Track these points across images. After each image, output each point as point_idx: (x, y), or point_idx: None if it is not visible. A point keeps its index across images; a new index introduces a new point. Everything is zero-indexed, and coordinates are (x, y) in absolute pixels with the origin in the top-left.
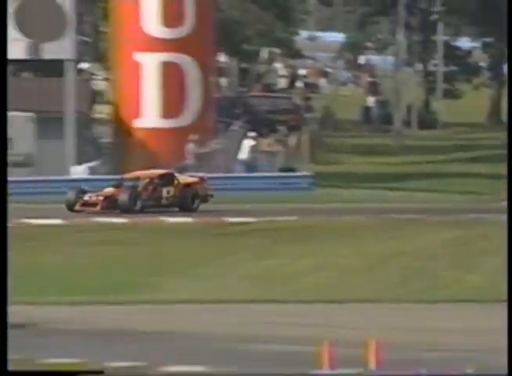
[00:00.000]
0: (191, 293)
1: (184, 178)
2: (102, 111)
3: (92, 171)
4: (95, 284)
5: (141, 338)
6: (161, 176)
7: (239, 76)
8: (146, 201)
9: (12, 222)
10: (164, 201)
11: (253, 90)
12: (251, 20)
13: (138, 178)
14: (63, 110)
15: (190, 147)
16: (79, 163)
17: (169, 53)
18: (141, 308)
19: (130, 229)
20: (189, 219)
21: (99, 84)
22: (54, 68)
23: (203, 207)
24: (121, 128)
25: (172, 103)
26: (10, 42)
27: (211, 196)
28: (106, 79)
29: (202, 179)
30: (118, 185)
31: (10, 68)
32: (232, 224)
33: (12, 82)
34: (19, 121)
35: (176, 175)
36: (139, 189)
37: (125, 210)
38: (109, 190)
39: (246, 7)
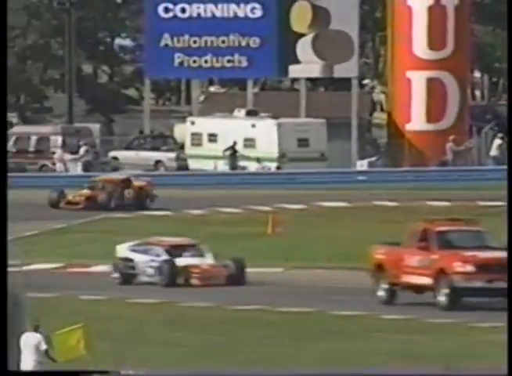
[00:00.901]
0: None
1: (137, 182)
2: (379, 117)
3: (371, 165)
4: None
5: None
6: (122, 180)
7: (489, 88)
8: (116, 201)
9: (309, 205)
10: (125, 201)
11: (501, 100)
12: (500, 43)
13: (106, 182)
14: (349, 116)
15: (449, 146)
16: (361, 158)
17: (433, 71)
18: None
19: (396, 210)
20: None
21: (378, 96)
22: (342, 84)
23: None
24: (395, 130)
25: (435, 110)
26: (309, 64)
27: (156, 196)
28: (383, 92)
29: (149, 183)
30: (91, 187)
31: (308, 84)
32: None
33: (309, 95)
34: (314, 126)
35: (132, 179)
36: (111, 190)
37: (104, 208)
38: (86, 192)
39: (497, 33)
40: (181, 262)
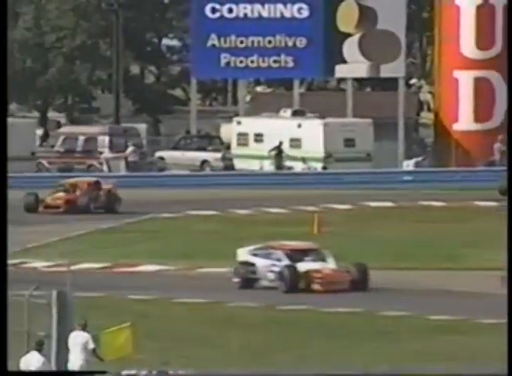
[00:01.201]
0: (493, 263)
1: (106, 185)
2: (426, 117)
3: (418, 165)
4: (423, 253)
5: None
6: (95, 183)
7: None
8: (94, 204)
9: (355, 205)
10: (100, 204)
11: None
12: None
13: (80, 185)
14: (396, 116)
15: (497, 146)
16: (408, 158)
17: (481, 71)
18: (454, 274)
19: (443, 210)
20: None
21: (425, 95)
22: (389, 84)
23: None
24: (442, 130)
25: (483, 109)
26: (356, 63)
27: (121, 199)
28: (430, 92)
29: (115, 185)
30: (66, 190)
31: (354, 84)
32: None
33: (356, 95)
34: (361, 126)
35: (101, 182)
36: (90, 193)
37: (83, 211)
38: (63, 195)
39: None
40: (302, 266)
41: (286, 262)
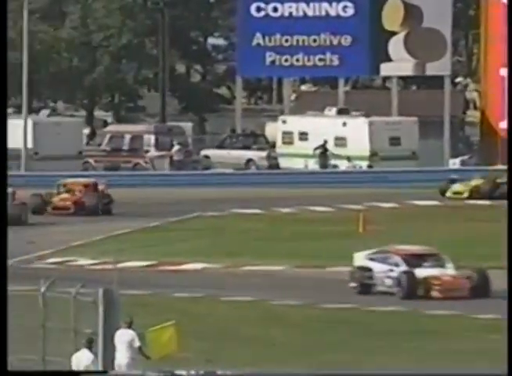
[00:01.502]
0: None
1: (100, 186)
2: (472, 116)
3: (464, 163)
4: (469, 253)
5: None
6: (94, 184)
7: None
8: (101, 205)
9: (401, 203)
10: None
11: None
12: None
13: (81, 186)
14: (442, 115)
15: None
16: (453, 157)
17: None
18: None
19: (489, 209)
20: None
21: (471, 94)
22: (435, 82)
23: None
24: (488, 129)
25: None
26: (401, 62)
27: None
28: (476, 90)
29: (106, 185)
30: (69, 191)
31: (400, 82)
32: None
33: (401, 94)
34: (406, 124)
35: (99, 183)
36: (97, 194)
37: (92, 213)
38: (68, 196)
39: None
40: (421, 272)
41: (403, 267)
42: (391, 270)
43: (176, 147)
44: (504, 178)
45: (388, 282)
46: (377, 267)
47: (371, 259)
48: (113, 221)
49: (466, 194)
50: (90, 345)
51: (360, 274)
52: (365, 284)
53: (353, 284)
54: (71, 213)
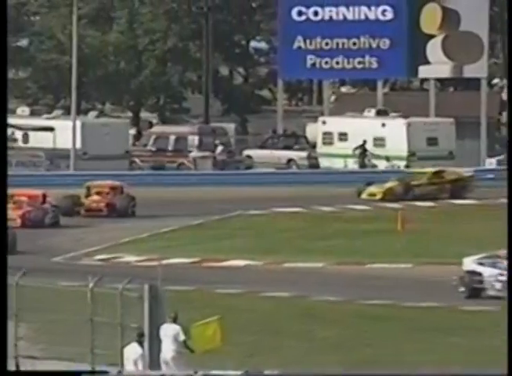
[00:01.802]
0: None
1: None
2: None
3: (500, 163)
4: None
5: None
6: (120, 187)
7: None
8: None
9: (438, 202)
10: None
11: None
12: None
13: (110, 188)
14: (479, 116)
15: None
16: (490, 157)
17: None
18: None
19: None
20: None
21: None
22: (472, 84)
23: None
24: None
25: None
26: (439, 64)
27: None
28: None
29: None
30: (98, 193)
31: (437, 84)
32: None
33: (439, 95)
34: (443, 125)
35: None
36: (128, 197)
37: (123, 215)
38: (99, 198)
39: None
40: None
41: None
42: (501, 274)
43: (220, 148)
44: (418, 181)
45: (498, 286)
46: (487, 271)
47: (480, 264)
48: (155, 219)
49: (379, 196)
50: (140, 338)
51: (470, 279)
52: (475, 289)
53: (462, 289)
54: (104, 215)
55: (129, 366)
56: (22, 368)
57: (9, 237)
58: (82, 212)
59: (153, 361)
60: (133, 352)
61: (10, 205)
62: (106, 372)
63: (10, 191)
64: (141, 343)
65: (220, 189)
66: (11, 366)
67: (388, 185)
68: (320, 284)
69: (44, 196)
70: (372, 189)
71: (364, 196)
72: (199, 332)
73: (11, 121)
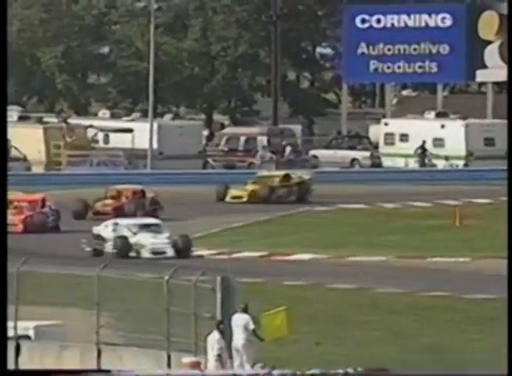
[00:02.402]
0: None
1: (149, 193)
2: None
3: None
4: None
5: None
6: (141, 191)
7: None
8: (140, 211)
9: (495, 199)
10: (143, 211)
11: None
12: None
13: (121, 193)
14: None
15: None
16: None
17: None
18: None
19: None
20: None
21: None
22: None
23: None
24: None
25: None
26: (496, 68)
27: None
28: None
29: (156, 194)
30: (112, 197)
31: (494, 87)
32: None
33: (496, 98)
34: (500, 126)
35: (145, 190)
36: (137, 202)
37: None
38: (110, 202)
39: None
40: None
41: None
42: None
43: (288, 148)
44: (272, 184)
45: None
46: None
47: None
48: (230, 215)
49: (245, 199)
50: (220, 326)
51: None
52: None
53: None
54: (111, 217)
55: (210, 354)
56: (103, 354)
57: None
58: (90, 215)
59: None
60: (214, 339)
61: (11, 210)
62: (108, 371)
63: (10, 196)
64: (221, 331)
65: None
66: (93, 352)
67: (251, 187)
68: (383, 277)
69: (43, 200)
70: (234, 192)
71: (228, 199)
72: (268, 321)
73: (93, 123)
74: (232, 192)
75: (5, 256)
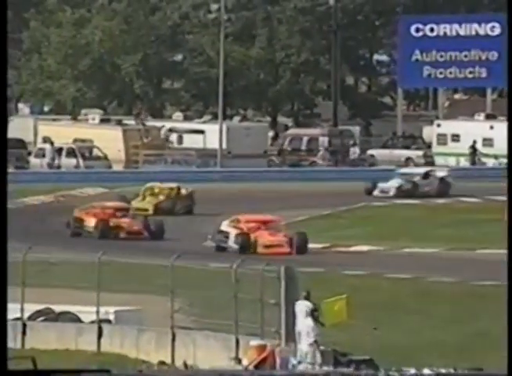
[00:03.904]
0: None
1: (184, 190)
2: None
3: None
4: None
5: None
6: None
7: None
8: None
9: None
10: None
11: None
12: None
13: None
14: None
15: None
16: None
17: None
18: None
19: None
20: None
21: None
22: None
23: None
24: None
25: None
26: None
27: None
28: None
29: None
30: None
31: None
32: None
33: None
34: None
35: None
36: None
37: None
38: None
39: None
40: None
41: None
42: None
43: (352, 149)
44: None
45: None
46: None
47: None
48: (290, 209)
49: (151, 211)
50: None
51: None
52: None
53: None
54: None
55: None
56: (177, 337)
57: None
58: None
59: (289, 334)
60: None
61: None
62: (107, 371)
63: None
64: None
65: (342, 184)
66: (168, 336)
67: (155, 200)
68: (435, 267)
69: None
70: (140, 204)
71: (132, 211)
72: (328, 308)
73: (168, 124)
74: (139, 205)
75: (5, 254)
